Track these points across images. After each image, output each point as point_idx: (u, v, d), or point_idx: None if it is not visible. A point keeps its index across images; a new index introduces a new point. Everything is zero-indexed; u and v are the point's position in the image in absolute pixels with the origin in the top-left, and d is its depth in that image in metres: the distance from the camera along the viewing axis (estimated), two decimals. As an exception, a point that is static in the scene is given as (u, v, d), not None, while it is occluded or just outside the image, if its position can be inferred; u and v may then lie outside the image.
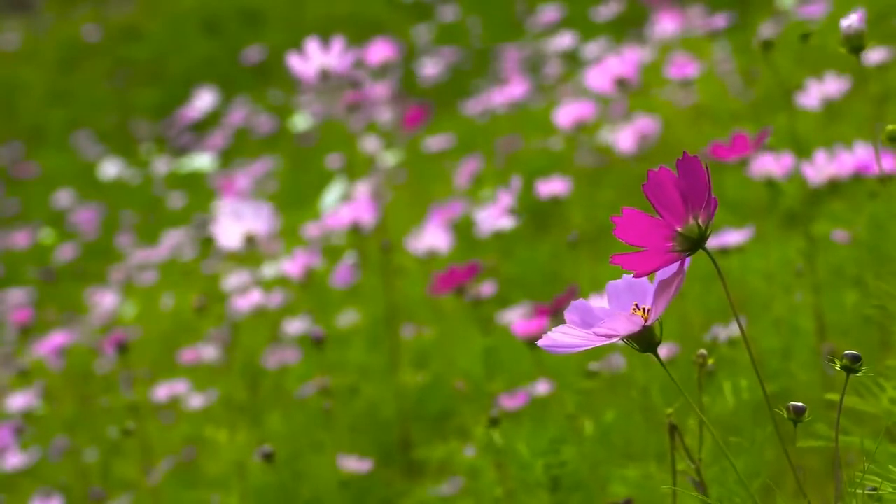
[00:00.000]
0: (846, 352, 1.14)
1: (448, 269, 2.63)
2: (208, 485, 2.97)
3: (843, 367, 1.13)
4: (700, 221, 1.07)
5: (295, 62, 2.87)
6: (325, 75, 2.85)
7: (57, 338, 3.57)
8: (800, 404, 1.16)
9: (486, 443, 1.86)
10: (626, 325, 1.08)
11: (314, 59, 2.87)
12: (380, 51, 3.37)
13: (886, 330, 2.13)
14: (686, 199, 1.06)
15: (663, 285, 1.08)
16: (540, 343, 1.10)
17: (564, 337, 1.10)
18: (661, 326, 1.11)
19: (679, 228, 1.07)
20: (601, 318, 1.09)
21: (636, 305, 1.11)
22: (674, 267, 1.08)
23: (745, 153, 2.19)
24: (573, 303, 1.11)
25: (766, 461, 1.89)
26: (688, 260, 1.08)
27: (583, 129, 3.64)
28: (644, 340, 1.10)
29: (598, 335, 1.08)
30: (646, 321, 1.09)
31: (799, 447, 1.63)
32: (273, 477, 2.64)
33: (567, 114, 3.59)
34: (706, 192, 1.06)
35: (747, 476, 1.51)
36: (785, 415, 1.16)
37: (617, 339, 1.09)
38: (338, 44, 2.87)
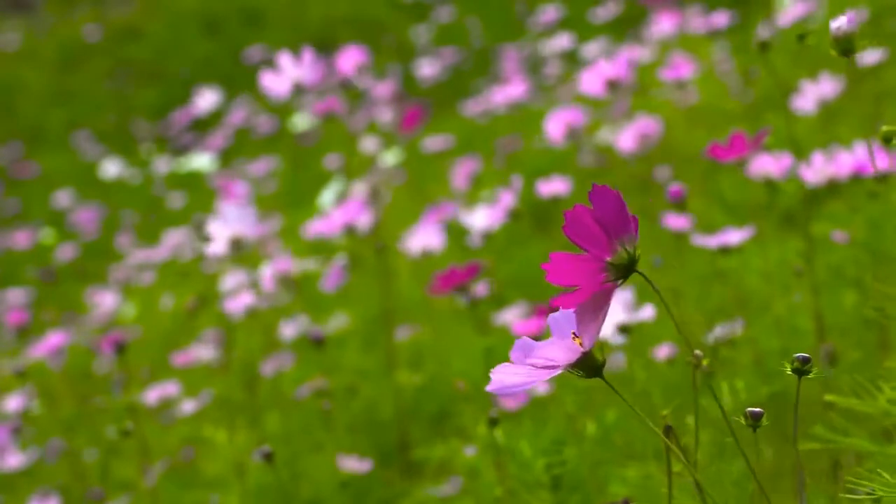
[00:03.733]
0: (796, 354, 1.15)
1: (448, 269, 2.63)
2: (207, 485, 2.97)
3: (794, 371, 1.14)
4: (626, 247, 1.07)
5: (267, 79, 2.85)
6: (298, 89, 2.84)
7: (54, 338, 3.57)
8: (757, 410, 1.16)
9: (488, 442, 1.86)
10: (565, 353, 1.08)
11: (287, 72, 2.85)
12: (350, 58, 3.36)
13: (885, 331, 2.13)
14: (607, 229, 1.07)
15: (588, 310, 1.08)
16: (488, 388, 1.09)
17: (509, 377, 1.09)
18: (603, 350, 1.12)
19: (608, 259, 1.08)
20: (538, 351, 1.09)
21: (574, 334, 1.11)
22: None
23: (742, 153, 2.19)
24: (517, 342, 1.11)
25: (766, 461, 1.89)
26: (615, 286, 1.09)
27: (574, 136, 3.63)
28: (586, 367, 1.11)
29: (539, 368, 1.08)
30: (583, 348, 1.09)
31: (798, 448, 1.63)
32: (272, 477, 2.64)
33: (557, 122, 3.58)
34: (624, 216, 1.06)
35: (743, 477, 1.51)
36: (739, 421, 1.16)
37: (560, 369, 1.09)
38: (308, 55, 2.85)
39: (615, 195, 1.05)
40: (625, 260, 1.08)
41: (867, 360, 2.10)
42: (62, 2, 12.94)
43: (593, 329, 1.08)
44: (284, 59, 2.85)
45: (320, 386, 2.49)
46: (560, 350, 1.08)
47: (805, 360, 1.13)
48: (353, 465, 2.50)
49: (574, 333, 1.10)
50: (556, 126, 3.58)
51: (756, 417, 1.16)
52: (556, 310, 1.14)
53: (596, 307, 1.08)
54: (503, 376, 1.09)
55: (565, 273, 1.07)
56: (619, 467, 1.87)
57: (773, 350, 2.28)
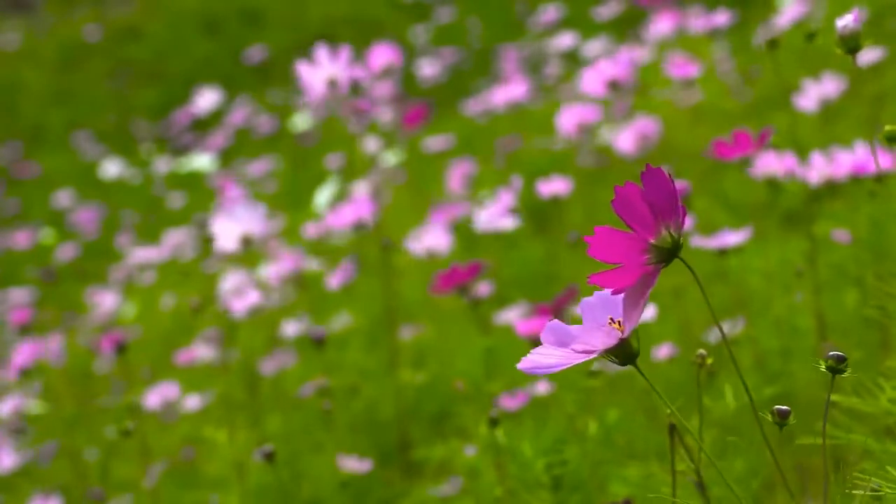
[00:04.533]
0: (831, 352, 1.14)
1: (450, 268, 2.63)
2: (208, 485, 2.97)
3: (828, 368, 1.14)
4: (672, 231, 1.07)
5: (304, 71, 2.80)
6: (332, 84, 2.81)
7: (53, 343, 3.57)
8: (784, 408, 1.16)
9: (489, 442, 1.85)
10: (603, 339, 1.08)
11: (323, 67, 2.80)
12: (382, 55, 3.35)
13: (886, 330, 2.13)
14: (655, 211, 1.06)
15: (632, 295, 1.08)
16: (520, 366, 1.10)
17: (544, 358, 1.10)
18: (638, 338, 1.11)
19: (652, 241, 1.07)
20: (576, 335, 1.09)
21: (611, 319, 1.11)
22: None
23: (747, 152, 2.19)
24: (548, 324, 1.11)
25: (767, 461, 1.89)
26: (659, 271, 1.08)
27: (586, 131, 3.64)
28: (622, 353, 1.11)
29: (576, 352, 1.08)
30: (622, 334, 1.09)
31: (800, 447, 1.63)
32: (273, 477, 2.64)
33: (570, 117, 3.59)
34: (674, 202, 1.06)
35: (746, 476, 1.51)
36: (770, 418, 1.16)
37: (595, 354, 1.09)
38: (345, 52, 2.82)
39: (668, 179, 1.05)
40: (668, 244, 1.08)
41: (868, 360, 2.10)
42: (62, 2, 12.94)
43: (635, 315, 1.09)
44: (322, 52, 2.80)
45: (321, 385, 2.49)
46: (598, 335, 1.08)
47: (840, 359, 1.13)
48: (354, 464, 2.50)
49: (611, 318, 1.10)
50: (569, 120, 3.58)
51: (783, 415, 1.15)
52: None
53: (640, 291, 1.08)
54: (539, 357, 1.09)
55: (608, 248, 1.07)
56: (620, 467, 1.87)
57: (774, 350, 2.28)
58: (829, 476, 1.16)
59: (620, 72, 3.20)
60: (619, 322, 1.10)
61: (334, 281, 3.67)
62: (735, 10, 4.55)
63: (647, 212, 1.06)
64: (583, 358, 1.08)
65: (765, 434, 1.15)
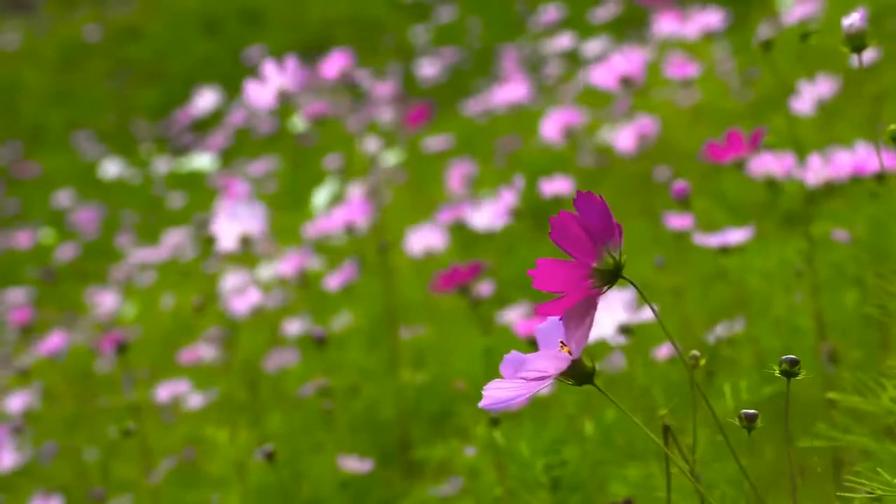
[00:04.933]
0: (784, 357, 1.15)
1: (450, 268, 2.64)
2: (208, 485, 2.97)
3: (782, 372, 1.14)
4: (612, 252, 1.07)
5: (251, 89, 2.83)
6: (282, 96, 2.83)
7: (54, 340, 3.57)
8: (752, 411, 1.17)
9: (488, 442, 1.86)
10: (554, 363, 1.09)
11: (272, 81, 2.84)
12: (335, 63, 3.35)
13: (887, 329, 2.13)
14: (592, 235, 1.07)
15: (574, 317, 1.08)
16: (481, 405, 1.10)
17: (501, 392, 1.10)
18: (592, 358, 1.12)
19: (594, 265, 1.08)
20: (528, 361, 1.09)
21: (562, 343, 1.11)
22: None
23: (740, 153, 2.19)
24: (505, 357, 1.11)
25: (766, 461, 1.89)
26: (601, 293, 1.09)
27: (572, 136, 3.63)
28: (576, 374, 1.11)
29: (529, 380, 1.08)
30: (571, 356, 1.09)
31: (799, 448, 1.63)
32: (273, 477, 2.64)
33: (554, 122, 3.59)
34: (608, 223, 1.06)
35: (740, 476, 1.51)
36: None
37: (550, 378, 1.09)
38: (291, 63, 2.85)
39: (600, 202, 1.06)
40: (611, 266, 1.08)
41: (868, 360, 2.10)
42: (62, 2, 12.94)
43: (580, 335, 1.09)
44: (269, 66, 2.84)
45: (322, 385, 2.49)
46: (549, 360, 1.08)
47: (793, 362, 1.13)
48: (354, 464, 2.50)
49: (562, 342, 1.11)
50: (552, 126, 3.58)
51: (751, 419, 1.16)
52: (542, 318, 1.14)
53: (581, 314, 1.08)
54: (495, 392, 1.10)
55: (552, 279, 1.07)
56: (620, 467, 1.87)
57: (774, 349, 2.28)
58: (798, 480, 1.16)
59: (633, 68, 3.20)
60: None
61: (334, 282, 3.67)
62: (735, 10, 4.56)
63: (584, 237, 1.07)
64: (538, 385, 1.08)
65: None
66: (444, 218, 3.74)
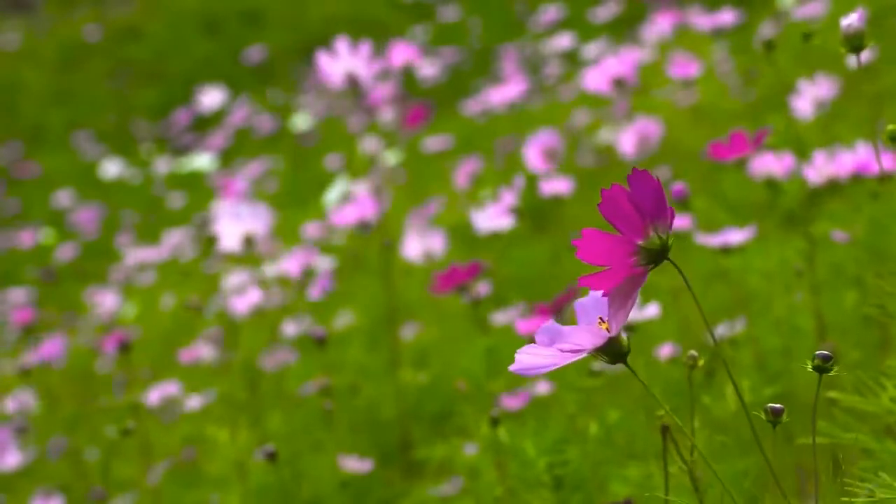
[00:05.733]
0: (818, 352, 1.14)
1: (449, 268, 2.64)
2: (209, 484, 2.97)
3: (814, 368, 1.14)
4: (660, 233, 1.07)
5: (324, 62, 2.77)
6: (351, 80, 2.79)
7: (52, 345, 3.57)
8: (777, 406, 1.16)
9: (490, 441, 1.86)
10: (591, 338, 1.09)
11: (343, 61, 2.79)
12: (401, 53, 3.34)
13: (886, 329, 2.13)
14: (642, 213, 1.07)
15: (618, 296, 1.09)
16: (512, 368, 1.10)
17: (533, 358, 1.10)
18: (629, 337, 1.12)
19: (640, 242, 1.08)
20: (566, 335, 1.09)
21: (601, 319, 1.11)
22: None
23: (743, 153, 2.19)
24: (541, 325, 1.12)
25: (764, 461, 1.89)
26: (647, 272, 1.09)
27: (555, 160, 3.61)
28: (611, 352, 1.11)
29: (564, 351, 1.09)
30: (609, 333, 1.09)
31: (800, 446, 1.64)
32: (273, 477, 2.64)
33: (535, 148, 3.57)
34: (662, 203, 1.06)
35: (739, 476, 1.51)
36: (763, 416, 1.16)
37: (584, 353, 1.09)
38: (366, 48, 2.80)
39: (655, 181, 1.05)
40: (657, 246, 1.08)
41: (868, 360, 2.11)
42: (62, 2, 12.94)
43: (622, 314, 1.09)
44: (342, 45, 2.78)
45: (322, 385, 2.49)
46: (587, 334, 1.09)
47: (826, 358, 1.13)
48: (354, 464, 2.50)
49: (601, 318, 1.11)
50: (534, 154, 3.57)
51: (777, 413, 1.15)
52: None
53: (626, 292, 1.08)
54: (528, 357, 1.10)
55: (596, 251, 1.07)
56: (621, 467, 1.87)
57: (774, 349, 2.28)
58: (821, 477, 1.16)
59: (626, 70, 3.20)
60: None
61: (315, 291, 3.67)
62: (736, 9, 4.56)
63: (634, 213, 1.07)
64: (572, 358, 1.09)
65: (762, 433, 1.16)
66: (420, 217, 3.72)
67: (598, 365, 1.99)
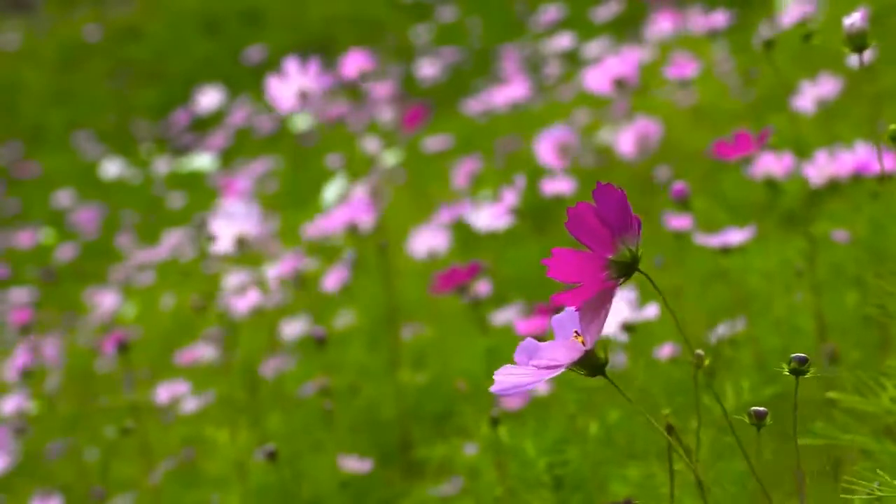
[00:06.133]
0: (793, 354, 1.15)
1: (449, 268, 2.64)
2: (208, 484, 2.97)
3: (791, 371, 1.14)
4: (629, 245, 1.08)
5: (273, 85, 2.83)
6: (303, 96, 2.83)
7: (49, 349, 3.57)
8: (761, 409, 1.17)
9: (490, 441, 1.86)
10: (566, 353, 1.09)
11: (293, 79, 2.83)
12: (353, 63, 3.35)
13: (886, 329, 2.13)
14: (609, 227, 1.07)
15: (590, 309, 1.09)
16: (493, 390, 1.10)
17: (512, 377, 1.10)
18: (606, 349, 1.12)
19: (610, 256, 1.08)
20: (542, 350, 1.09)
21: (576, 333, 1.11)
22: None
23: (747, 152, 2.20)
24: (520, 344, 1.12)
25: (765, 461, 1.89)
26: (617, 285, 1.09)
27: (568, 154, 3.62)
28: (588, 365, 1.11)
29: (540, 368, 1.09)
30: (585, 347, 1.09)
31: (801, 447, 1.63)
32: (273, 477, 2.64)
33: (548, 144, 3.57)
34: (626, 215, 1.07)
35: (743, 477, 1.51)
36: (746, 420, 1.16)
37: (562, 368, 1.09)
38: (314, 64, 2.84)
39: (619, 194, 1.06)
40: (627, 258, 1.08)
41: (868, 360, 2.10)
42: (62, 2, 12.94)
43: (595, 327, 1.09)
44: (291, 65, 2.83)
45: (322, 385, 2.49)
46: (562, 349, 1.09)
47: (802, 361, 1.13)
48: (354, 464, 2.50)
49: (576, 332, 1.11)
50: (546, 149, 3.57)
51: (760, 417, 1.16)
52: (559, 308, 1.14)
53: (598, 305, 1.09)
54: (506, 377, 1.10)
55: (567, 269, 1.07)
56: (621, 467, 1.87)
57: (774, 349, 2.28)
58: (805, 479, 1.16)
59: (627, 70, 3.19)
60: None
61: (330, 282, 3.67)
62: (735, 10, 4.56)
63: (601, 228, 1.07)
64: (550, 373, 1.09)
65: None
66: (444, 217, 3.73)
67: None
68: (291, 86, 2.83)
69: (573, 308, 1.11)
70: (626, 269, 1.08)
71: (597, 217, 1.06)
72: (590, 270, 1.07)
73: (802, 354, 1.14)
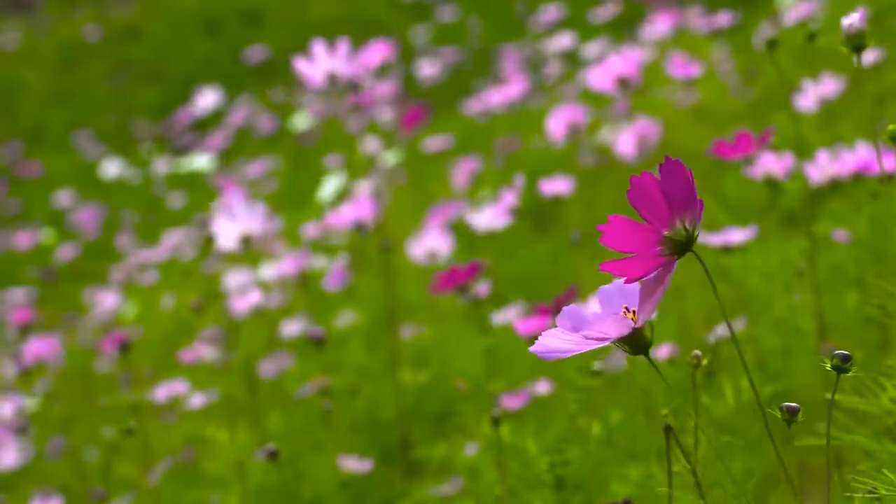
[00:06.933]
0: (837, 351, 1.14)
1: (449, 268, 2.64)
2: (208, 484, 2.97)
3: (833, 367, 1.13)
4: (686, 224, 1.07)
5: (301, 65, 2.81)
6: (331, 80, 2.81)
7: (46, 346, 3.57)
8: (793, 405, 1.16)
9: (492, 441, 1.86)
10: (616, 327, 1.08)
11: (321, 62, 2.82)
12: (378, 52, 3.35)
13: (886, 330, 2.13)
14: (671, 203, 1.06)
15: (648, 286, 1.08)
16: (532, 349, 1.09)
17: (556, 342, 1.09)
18: (652, 328, 1.11)
19: (666, 232, 1.07)
20: (591, 322, 1.09)
21: (626, 308, 1.11)
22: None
23: (749, 152, 2.19)
24: (564, 309, 1.11)
25: (766, 461, 1.89)
26: (675, 263, 1.08)
27: (577, 133, 3.62)
28: (634, 343, 1.10)
29: (588, 339, 1.08)
30: (635, 323, 1.09)
31: (800, 447, 1.63)
32: (273, 477, 2.64)
33: (560, 119, 3.57)
34: (691, 195, 1.06)
35: (743, 476, 1.50)
36: (779, 415, 1.16)
37: (608, 342, 1.09)
38: (343, 46, 2.83)
39: (687, 171, 1.05)
40: (682, 237, 1.07)
41: (868, 360, 2.10)
42: (62, 2, 12.94)
43: (651, 304, 1.08)
44: (318, 48, 2.81)
45: (322, 385, 2.49)
46: (613, 323, 1.08)
47: (845, 358, 1.12)
48: (354, 464, 2.50)
49: (625, 307, 1.10)
50: (557, 124, 3.57)
51: (792, 412, 1.15)
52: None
53: (656, 283, 1.08)
54: (551, 340, 1.09)
55: (621, 238, 1.06)
56: (621, 467, 1.87)
57: (774, 349, 2.28)
58: (831, 477, 1.16)
59: (629, 69, 3.19)
60: (633, 312, 1.10)
61: (331, 282, 3.67)
62: (736, 10, 4.56)
63: (662, 203, 1.06)
64: (595, 345, 1.08)
65: (770, 431, 1.15)
66: (435, 221, 3.72)
67: (598, 364, 1.99)
68: (320, 67, 2.81)
69: (621, 282, 1.10)
70: (680, 248, 1.07)
71: (660, 191, 1.05)
72: (644, 243, 1.06)
73: (846, 352, 1.13)
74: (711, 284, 1.12)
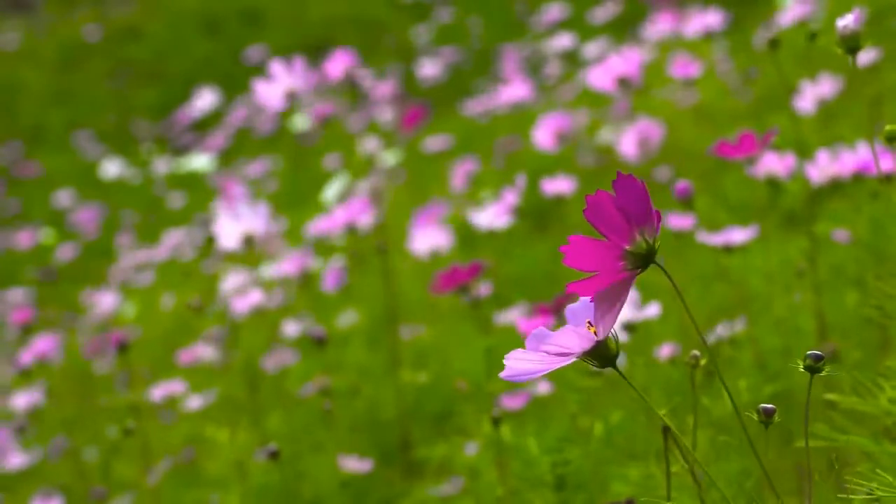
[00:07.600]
0: (809, 352, 1.14)
1: (450, 268, 2.64)
2: (209, 484, 2.97)
3: (806, 368, 1.13)
4: (647, 236, 1.07)
5: (260, 87, 2.86)
6: (290, 97, 2.85)
7: (45, 343, 3.57)
8: (769, 406, 1.16)
9: (492, 441, 1.86)
10: (579, 341, 1.08)
11: (280, 81, 2.85)
12: (339, 63, 3.35)
13: (886, 330, 2.13)
14: (628, 217, 1.06)
15: (604, 300, 1.08)
16: (502, 375, 1.09)
17: (522, 363, 1.09)
18: (618, 341, 1.11)
19: (627, 247, 1.07)
20: (552, 336, 1.09)
21: (589, 323, 1.10)
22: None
23: (751, 152, 2.20)
24: (532, 332, 1.11)
25: (765, 461, 1.89)
26: (634, 277, 1.08)
27: (566, 141, 3.61)
28: (600, 356, 1.10)
29: (552, 354, 1.08)
30: (597, 337, 1.09)
31: (799, 448, 1.63)
32: (273, 477, 2.64)
33: (546, 128, 3.57)
34: (647, 207, 1.06)
35: (740, 476, 1.51)
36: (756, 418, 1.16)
37: (573, 357, 1.08)
38: (299, 63, 2.86)
39: (640, 185, 1.05)
40: (643, 250, 1.08)
41: (868, 360, 2.10)
42: (62, 2, 12.94)
43: (609, 318, 1.08)
44: (277, 67, 2.86)
45: (322, 385, 2.49)
46: (574, 337, 1.08)
47: (817, 358, 1.12)
48: (354, 464, 2.50)
49: (589, 322, 1.10)
50: (544, 134, 3.57)
51: (768, 414, 1.15)
52: (572, 297, 1.14)
53: (613, 297, 1.08)
54: (516, 363, 1.09)
55: (583, 257, 1.07)
56: (621, 467, 1.87)
57: (774, 349, 2.28)
58: (811, 476, 1.16)
59: (630, 69, 3.19)
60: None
61: (328, 283, 3.67)
62: (735, 10, 4.56)
63: (619, 218, 1.06)
64: (561, 361, 1.08)
65: (750, 433, 1.15)
66: (426, 218, 3.72)
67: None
68: (279, 86, 2.85)
69: (587, 298, 1.10)
70: (642, 261, 1.08)
71: (615, 207, 1.06)
72: (606, 260, 1.07)
73: (818, 352, 1.13)
74: (680, 296, 1.12)
